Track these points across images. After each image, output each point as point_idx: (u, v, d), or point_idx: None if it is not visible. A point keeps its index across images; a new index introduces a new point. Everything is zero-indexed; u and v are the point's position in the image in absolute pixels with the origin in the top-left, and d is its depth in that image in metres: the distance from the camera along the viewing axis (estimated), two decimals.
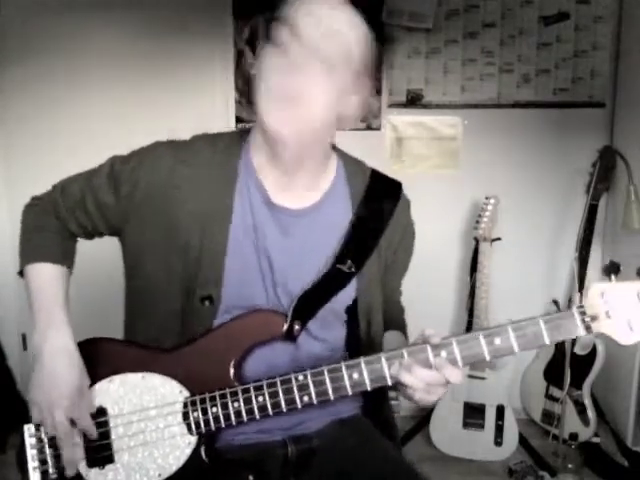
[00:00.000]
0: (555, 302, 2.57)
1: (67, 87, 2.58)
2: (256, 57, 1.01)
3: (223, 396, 1.02)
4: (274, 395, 1.00)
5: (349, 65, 0.98)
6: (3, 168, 2.67)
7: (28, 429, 1.07)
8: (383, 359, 0.98)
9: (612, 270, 0.95)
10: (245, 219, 1.07)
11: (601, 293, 0.94)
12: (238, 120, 2.61)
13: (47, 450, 1.06)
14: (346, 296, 1.13)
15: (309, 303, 1.08)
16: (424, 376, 0.95)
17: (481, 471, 2.36)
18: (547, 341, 0.94)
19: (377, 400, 1.25)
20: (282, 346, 1.08)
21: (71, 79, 2.57)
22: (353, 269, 1.09)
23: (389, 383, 0.98)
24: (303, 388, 1.00)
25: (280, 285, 1.09)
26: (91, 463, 1.05)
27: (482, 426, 2.38)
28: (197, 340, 1.06)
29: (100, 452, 1.05)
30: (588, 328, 0.94)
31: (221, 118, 2.59)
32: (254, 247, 1.08)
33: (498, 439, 2.37)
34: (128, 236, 1.12)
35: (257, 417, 1.01)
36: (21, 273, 1.15)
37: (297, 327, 1.06)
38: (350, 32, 0.97)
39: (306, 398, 1.00)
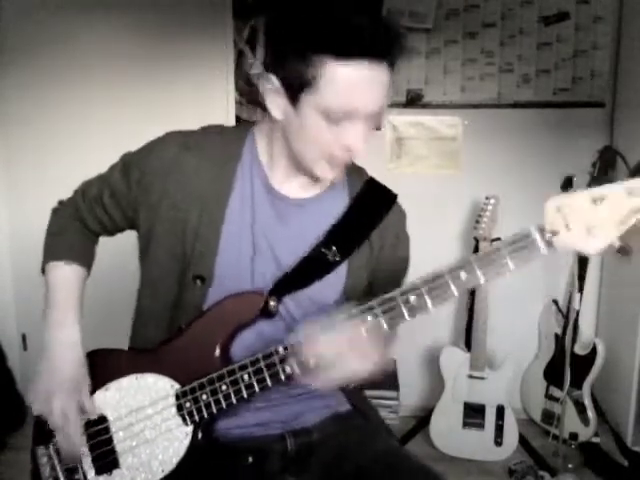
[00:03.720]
0: (555, 302, 2.57)
1: (67, 87, 2.58)
2: (294, 107, 1.00)
3: (211, 381, 1.04)
4: (258, 371, 1.02)
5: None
6: (3, 168, 2.67)
7: (39, 449, 1.12)
8: (354, 311, 0.98)
9: (567, 184, 0.92)
10: (244, 203, 1.10)
11: (557, 207, 0.92)
12: (238, 120, 2.60)
13: (57, 466, 1.10)
14: (333, 292, 1.15)
15: (288, 282, 1.10)
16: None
17: (481, 471, 2.36)
18: (511, 266, 0.93)
19: (357, 398, 1.26)
20: (267, 329, 1.09)
21: (71, 79, 2.57)
22: (337, 258, 1.11)
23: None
24: (284, 360, 1.01)
25: (267, 270, 1.11)
26: (98, 471, 1.09)
27: (482, 426, 2.38)
28: (181, 333, 1.09)
29: (105, 458, 1.08)
30: (550, 244, 0.92)
31: (221, 118, 2.58)
32: (249, 230, 1.10)
33: (498, 439, 2.37)
34: (140, 224, 1.15)
35: (245, 396, 1.03)
36: (44, 271, 1.21)
37: (273, 303, 1.08)
38: (384, 94, 1.00)
39: (288, 369, 1.01)
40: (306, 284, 1.11)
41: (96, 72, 2.56)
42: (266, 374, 1.02)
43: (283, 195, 1.12)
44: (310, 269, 1.11)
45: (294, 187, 1.13)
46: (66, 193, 1.31)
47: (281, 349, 1.02)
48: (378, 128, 2.59)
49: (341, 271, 1.14)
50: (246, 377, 1.03)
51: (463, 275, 0.94)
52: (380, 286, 1.21)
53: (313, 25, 0.95)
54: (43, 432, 1.11)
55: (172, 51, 2.55)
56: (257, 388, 1.03)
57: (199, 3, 2.53)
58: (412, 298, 0.96)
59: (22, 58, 2.57)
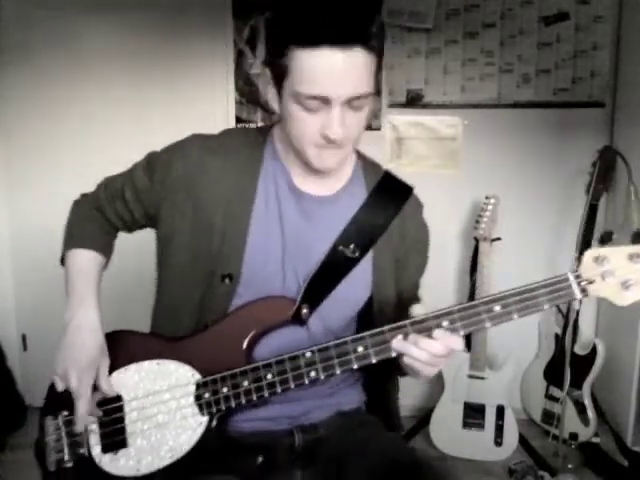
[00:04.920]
0: None
1: (67, 87, 2.58)
2: (280, 102, 1.04)
3: (233, 376, 1.05)
4: (282, 372, 1.03)
5: (369, 97, 1.02)
6: (3, 168, 2.67)
7: (47, 419, 1.13)
8: (386, 331, 1.00)
9: (606, 238, 0.95)
10: (269, 202, 1.12)
11: (595, 258, 0.97)
12: (238, 120, 2.60)
13: (64, 438, 1.11)
14: (360, 289, 1.16)
15: (318, 287, 1.11)
16: (427, 346, 0.97)
17: (481, 471, 2.36)
18: (546, 307, 0.98)
19: (381, 396, 1.29)
20: (294, 333, 1.10)
21: (71, 79, 2.57)
22: (357, 254, 1.12)
23: (393, 355, 1.00)
24: (310, 364, 1.02)
25: (298, 268, 1.12)
26: (105, 449, 1.10)
27: (482, 426, 2.38)
28: (210, 327, 1.11)
29: (114, 437, 1.09)
30: (584, 291, 0.97)
31: (221, 118, 2.59)
32: (277, 229, 1.12)
33: (498, 439, 2.37)
34: (161, 222, 1.17)
35: (266, 395, 1.04)
36: (63, 262, 1.23)
37: (305, 311, 1.09)
38: (359, 78, 0.98)
39: (313, 374, 1.02)
40: (333, 286, 1.12)
41: (96, 72, 2.57)
42: (290, 376, 1.03)
43: (306, 193, 1.13)
44: (333, 269, 1.12)
45: (315, 185, 1.14)
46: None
47: (308, 353, 1.02)
48: (377, 128, 2.59)
49: (367, 267, 1.15)
50: (269, 376, 1.03)
51: (497, 308, 0.98)
52: (409, 277, 1.24)
53: (283, 16, 0.99)
54: (54, 402, 1.12)
55: (172, 51, 2.56)
56: (279, 389, 1.03)
57: (199, 3, 2.53)
58: (444, 323, 0.99)
59: (22, 58, 2.57)
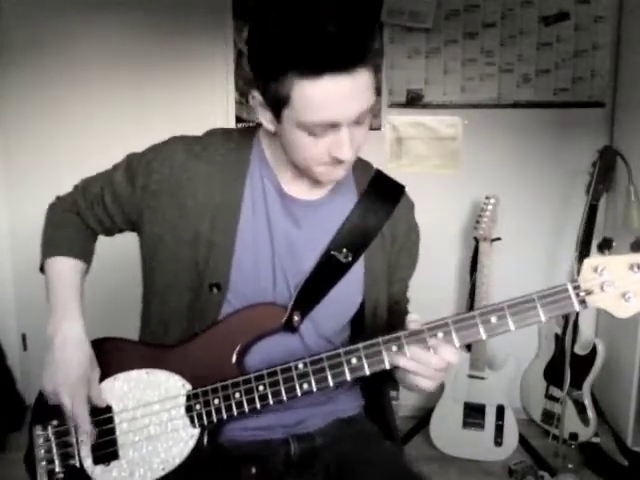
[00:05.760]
0: None
1: (67, 87, 2.58)
2: (278, 125, 1.00)
3: (225, 387, 1.03)
4: (274, 384, 1.01)
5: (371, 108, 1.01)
6: (3, 168, 2.67)
7: (36, 429, 1.11)
8: (381, 342, 0.98)
9: (605, 246, 0.92)
10: (256, 208, 1.10)
11: (594, 267, 0.93)
12: (238, 120, 2.61)
13: (54, 449, 1.09)
14: (352, 293, 1.14)
15: (309, 293, 1.09)
16: (423, 358, 0.95)
17: (481, 471, 2.36)
18: (543, 318, 0.94)
19: (378, 400, 1.27)
20: (286, 340, 1.09)
21: (71, 79, 2.58)
22: (350, 258, 1.10)
23: (387, 367, 0.98)
24: (303, 376, 1.00)
25: (288, 274, 1.10)
26: (96, 460, 1.08)
27: (482, 426, 2.38)
28: (200, 335, 1.08)
29: (105, 449, 1.07)
30: (582, 302, 0.93)
31: (221, 118, 2.59)
32: (266, 236, 1.09)
33: (498, 439, 2.37)
34: (144, 228, 1.14)
35: (258, 407, 1.02)
36: (42, 269, 1.19)
37: (297, 318, 1.07)
38: (364, 97, 0.96)
39: (306, 386, 1.00)
40: (325, 291, 1.10)
41: (96, 72, 2.57)
42: (282, 388, 1.01)
43: (294, 198, 1.10)
44: (325, 275, 1.10)
45: (304, 189, 1.11)
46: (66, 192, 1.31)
47: (301, 365, 1.01)
48: (377, 128, 2.59)
49: (359, 270, 1.13)
50: (261, 388, 1.02)
51: (494, 319, 0.95)
52: (401, 278, 1.23)
53: (276, 44, 0.92)
54: (43, 412, 1.10)
55: (172, 51, 2.56)
56: (271, 401, 1.01)
57: (199, 3, 2.54)
58: (440, 335, 0.96)
59: (22, 58, 2.57)
